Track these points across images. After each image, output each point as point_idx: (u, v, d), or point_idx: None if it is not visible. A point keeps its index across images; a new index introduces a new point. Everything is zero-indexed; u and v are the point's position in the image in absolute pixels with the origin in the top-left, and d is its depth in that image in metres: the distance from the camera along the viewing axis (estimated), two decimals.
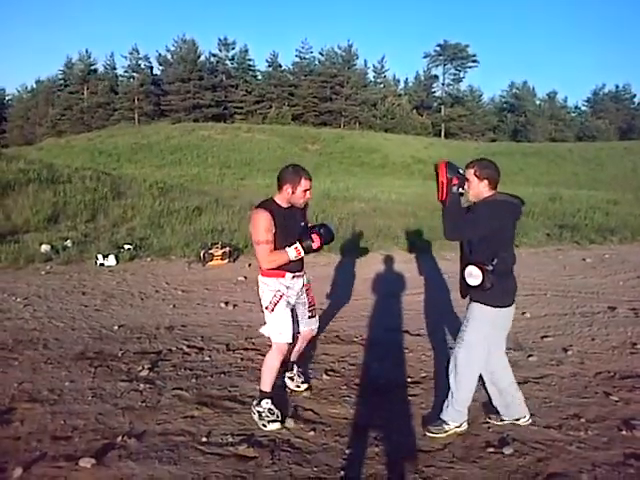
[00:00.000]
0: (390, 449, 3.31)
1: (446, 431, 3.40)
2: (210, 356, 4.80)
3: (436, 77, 75.94)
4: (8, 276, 7.63)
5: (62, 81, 74.11)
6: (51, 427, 3.45)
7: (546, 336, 5.48)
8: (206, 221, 11.32)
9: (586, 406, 3.90)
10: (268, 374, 3.60)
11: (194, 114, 64.34)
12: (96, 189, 13.05)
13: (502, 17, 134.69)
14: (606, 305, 6.70)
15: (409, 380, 4.38)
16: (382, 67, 76.86)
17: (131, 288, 7.15)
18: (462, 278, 3.28)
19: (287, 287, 3.61)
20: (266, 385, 3.59)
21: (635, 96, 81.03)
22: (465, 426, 3.46)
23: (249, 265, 8.67)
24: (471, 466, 3.11)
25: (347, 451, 3.26)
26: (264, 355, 4.75)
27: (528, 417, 3.53)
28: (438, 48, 72.57)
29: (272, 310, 3.56)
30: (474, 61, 72.67)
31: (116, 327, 5.55)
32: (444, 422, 3.42)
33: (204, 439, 3.34)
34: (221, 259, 8.71)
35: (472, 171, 3.27)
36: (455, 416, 3.41)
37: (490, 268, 3.11)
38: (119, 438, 3.32)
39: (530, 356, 4.88)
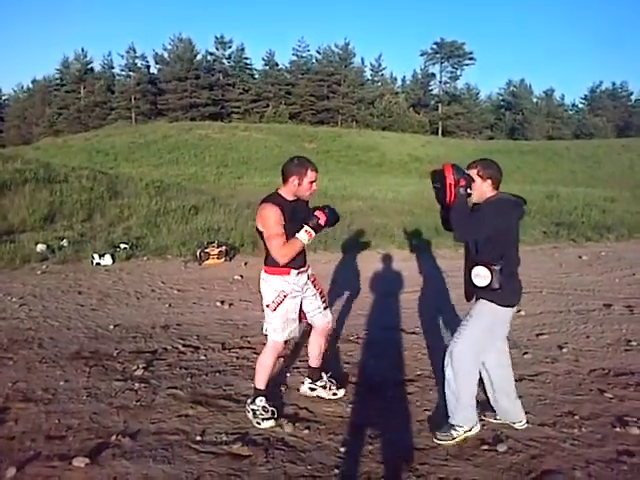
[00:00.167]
0: (384, 447, 3.31)
1: (454, 437, 3.29)
2: (205, 355, 4.80)
3: (433, 75, 76.08)
4: (4, 276, 7.62)
5: (59, 80, 73.96)
6: (45, 426, 3.44)
7: (541, 334, 5.49)
8: (203, 220, 11.31)
9: (580, 403, 3.91)
10: (262, 372, 3.58)
11: (191, 113, 64.34)
12: (93, 188, 13.05)
13: (499, 15, 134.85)
14: (602, 302, 6.71)
15: (404, 378, 4.38)
16: (379, 65, 76.98)
17: (127, 287, 7.15)
18: (468, 280, 3.24)
19: (292, 284, 3.52)
20: (260, 383, 3.58)
21: (632, 93, 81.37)
22: (477, 428, 3.35)
23: (245, 264, 8.67)
24: (465, 464, 3.11)
25: (341, 449, 3.26)
26: (259, 354, 4.80)
27: (524, 422, 3.50)
28: (435, 46, 72.66)
29: (274, 309, 3.51)
30: (471, 59, 72.81)
31: (112, 326, 5.54)
32: (452, 427, 3.31)
33: (198, 438, 3.34)
34: (217, 258, 8.70)
35: (475, 171, 3.24)
36: (463, 419, 3.30)
37: (498, 268, 3.08)
38: (113, 437, 3.31)
39: (525, 354, 4.89)
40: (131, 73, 70.38)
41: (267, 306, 3.54)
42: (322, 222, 3.39)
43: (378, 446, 3.32)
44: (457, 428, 3.29)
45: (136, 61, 70.84)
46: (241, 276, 7.84)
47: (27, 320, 5.72)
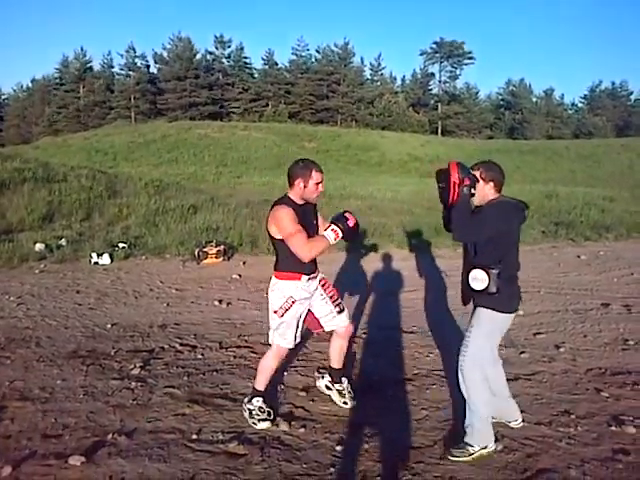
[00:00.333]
0: (380, 446, 3.31)
1: (470, 454, 3.14)
2: (203, 354, 4.80)
3: (432, 75, 76.01)
4: (2, 275, 7.63)
5: (58, 80, 73.91)
6: (42, 425, 3.45)
7: (538, 333, 5.49)
8: (201, 219, 11.31)
9: (577, 402, 3.91)
10: (263, 374, 3.55)
11: (190, 112, 64.31)
12: (92, 188, 13.06)
13: (498, 14, 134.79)
14: (599, 302, 6.72)
15: (402, 377, 4.38)
16: (379, 65, 76.90)
17: (125, 287, 7.15)
18: (465, 284, 3.19)
19: (302, 289, 3.47)
20: (260, 384, 3.56)
21: (632, 93, 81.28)
22: (492, 447, 3.18)
23: (243, 263, 8.68)
24: (460, 462, 3.12)
25: (337, 448, 3.26)
26: (257, 353, 4.82)
27: (520, 420, 3.49)
28: (434, 45, 72.57)
29: (282, 315, 3.45)
30: (470, 58, 72.72)
31: (109, 325, 5.54)
32: (468, 444, 3.18)
33: (194, 437, 3.34)
34: (215, 257, 8.71)
35: (477, 173, 3.19)
36: (479, 438, 3.17)
37: (496, 271, 3.01)
38: (109, 436, 3.32)
39: (522, 353, 4.89)
40: (130, 72, 70.33)
41: (274, 312, 3.49)
42: (351, 224, 3.31)
43: (374, 445, 3.32)
44: (473, 445, 3.17)
45: (136, 60, 70.88)
46: (239, 275, 7.84)
47: (25, 319, 5.72)
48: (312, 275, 3.53)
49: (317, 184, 3.40)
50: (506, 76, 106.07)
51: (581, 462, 3.11)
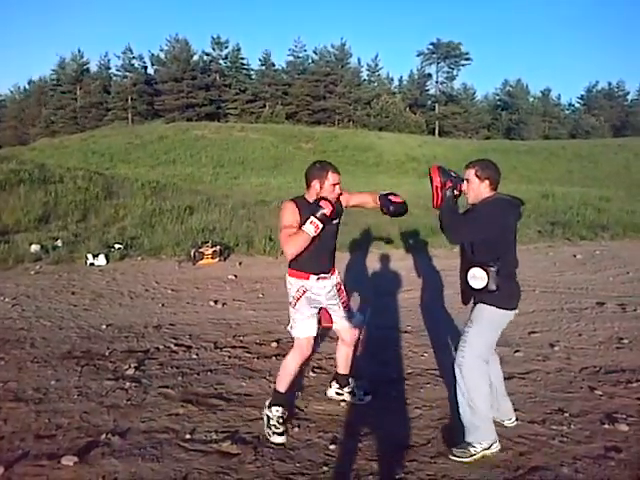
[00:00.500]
0: (374, 444, 3.32)
1: (472, 454, 3.11)
2: (197, 354, 4.80)
3: (429, 75, 75.92)
4: None
5: (55, 81, 73.76)
6: (35, 426, 3.45)
7: (533, 332, 5.50)
8: (197, 220, 11.30)
9: (570, 401, 3.93)
10: (285, 374, 3.48)
11: (187, 113, 64.22)
12: (88, 189, 13.04)
13: (496, 15, 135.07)
14: (594, 301, 6.73)
15: (395, 376, 4.39)
16: (376, 65, 76.86)
17: (120, 287, 7.14)
18: (464, 283, 3.17)
19: (311, 287, 3.47)
20: (282, 385, 3.47)
21: (629, 93, 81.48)
22: (496, 447, 3.15)
23: (240, 264, 8.67)
24: (453, 461, 3.12)
25: (331, 447, 3.27)
26: (251, 353, 4.84)
27: (513, 419, 3.51)
28: (431, 46, 72.55)
29: (294, 305, 3.47)
30: (467, 59, 72.65)
31: (104, 326, 5.54)
32: (469, 444, 3.14)
33: (188, 436, 3.34)
34: (211, 258, 8.70)
35: (473, 171, 3.17)
36: (480, 436, 3.13)
37: (494, 269, 3.00)
38: (103, 436, 3.32)
39: (517, 352, 4.90)
40: (127, 74, 70.18)
41: (289, 303, 3.51)
42: (328, 213, 3.22)
43: (367, 443, 3.33)
44: (475, 445, 3.13)
45: (133, 62, 70.67)
46: (235, 276, 7.84)
47: (20, 320, 5.71)
48: (322, 275, 3.50)
49: (333, 185, 3.39)
50: (503, 77, 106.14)
51: (573, 460, 3.12)
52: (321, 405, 3.82)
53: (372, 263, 8.66)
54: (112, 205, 12.20)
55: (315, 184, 3.38)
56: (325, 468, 3.05)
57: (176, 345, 5.01)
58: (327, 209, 3.22)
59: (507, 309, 3.14)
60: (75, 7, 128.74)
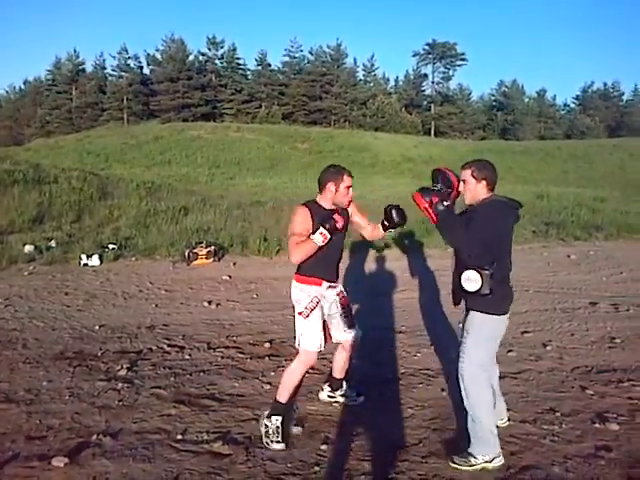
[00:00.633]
0: (366, 445, 3.32)
1: (472, 464, 3.04)
2: (190, 355, 4.80)
3: (425, 76, 76.08)
4: None
5: (50, 81, 73.57)
6: (26, 427, 3.43)
7: (526, 332, 5.52)
8: (192, 220, 11.30)
9: (562, 400, 3.94)
10: (289, 385, 3.41)
11: (183, 114, 64.08)
12: (82, 189, 13.03)
13: (491, 16, 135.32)
14: (588, 301, 6.76)
15: (388, 376, 4.40)
16: (372, 66, 76.96)
17: (114, 288, 7.13)
18: (457, 284, 3.11)
19: (323, 296, 3.47)
20: (283, 396, 3.39)
21: (624, 94, 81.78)
22: (499, 461, 3.06)
23: (234, 264, 8.67)
24: (445, 461, 3.13)
25: (322, 447, 3.27)
26: (244, 353, 4.84)
27: (505, 420, 3.51)
28: (427, 47, 72.70)
29: (307, 316, 3.38)
30: (463, 59, 72.86)
31: (97, 327, 5.53)
32: (471, 455, 3.07)
33: (179, 437, 3.34)
34: (206, 258, 8.69)
35: (469, 172, 3.14)
36: (482, 448, 3.06)
37: (489, 272, 2.95)
38: (94, 437, 3.31)
39: (509, 351, 4.91)
40: (123, 74, 70.05)
41: (299, 314, 3.42)
42: (340, 226, 3.26)
43: (359, 443, 3.33)
44: (477, 456, 3.06)
45: (128, 62, 70.57)
46: (229, 276, 7.84)
47: (12, 321, 5.70)
48: (332, 284, 3.52)
49: (348, 187, 3.43)
50: (498, 77, 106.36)
51: (564, 459, 3.13)
52: (313, 405, 3.82)
53: (368, 263, 8.67)
54: (106, 206, 12.19)
55: (330, 186, 3.40)
56: (317, 468, 3.05)
57: (169, 346, 5.01)
58: (339, 222, 3.26)
59: (498, 314, 3.09)
60: (71, 7, 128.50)
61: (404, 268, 8.40)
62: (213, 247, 8.95)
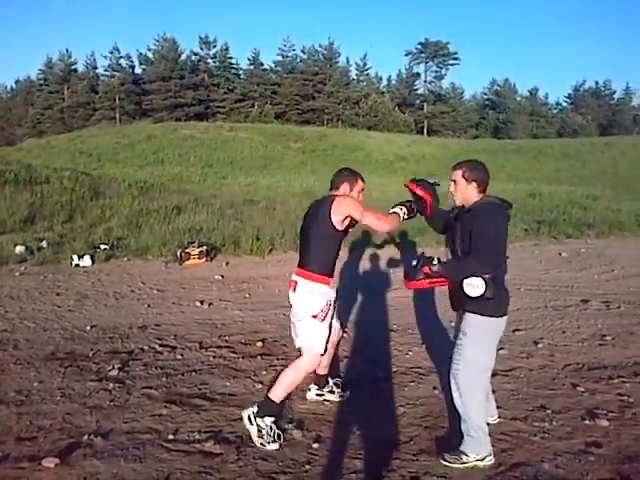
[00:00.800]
0: (357, 443, 3.33)
1: (463, 462, 3.03)
2: (182, 354, 4.79)
3: (418, 75, 76.26)
4: None
5: (42, 81, 73.19)
6: (16, 428, 3.41)
7: (517, 329, 5.54)
8: (185, 220, 11.28)
9: (553, 397, 3.96)
10: (287, 387, 3.34)
11: (176, 113, 63.87)
12: (74, 189, 12.98)
13: (484, 15, 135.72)
14: (579, 298, 6.80)
15: (380, 375, 4.41)
16: (364, 65, 76.95)
17: (106, 288, 7.10)
18: (457, 287, 3.04)
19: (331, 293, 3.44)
20: (279, 396, 3.30)
21: (615, 92, 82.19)
22: (489, 460, 3.05)
23: (226, 264, 8.66)
24: (436, 459, 3.13)
25: (314, 445, 3.27)
26: (237, 353, 4.84)
27: (496, 417, 3.52)
28: (419, 46, 72.87)
29: (323, 319, 3.32)
30: (455, 58, 73.11)
31: (89, 327, 5.50)
32: (463, 453, 3.06)
33: (171, 437, 3.33)
34: (198, 258, 8.68)
35: (460, 173, 3.11)
36: (474, 446, 3.05)
37: (490, 277, 2.90)
38: (85, 437, 3.29)
39: (501, 349, 4.87)
40: (115, 73, 69.73)
41: (314, 317, 3.31)
42: (417, 207, 3.44)
43: (351, 442, 3.33)
44: (469, 454, 3.05)
45: (120, 61, 70.24)
46: (222, 276, 7.83)
47: (3, 322, 5.66)
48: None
49: (360, 191, 3.51)
50: (491, 76, 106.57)
51: (554, 455, 3.15)
52: (304, 404, 3.82)
53: (363, 262, 8.68)
54: (98, 205, 12.14)
55: (345, 187, 3.46)
56: (308, 467, 3.05)
57: (161, 346, 4.99)
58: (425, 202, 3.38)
59: (496, 316, 3.04)
60: (62, 7, 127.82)
61: (398, 267, 8.40)
62: (205, 247, 8.94)
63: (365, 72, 77.63)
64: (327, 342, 3.40)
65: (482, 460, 3.05)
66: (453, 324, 3.32)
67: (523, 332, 5.48)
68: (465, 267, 2.99)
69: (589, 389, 4.09)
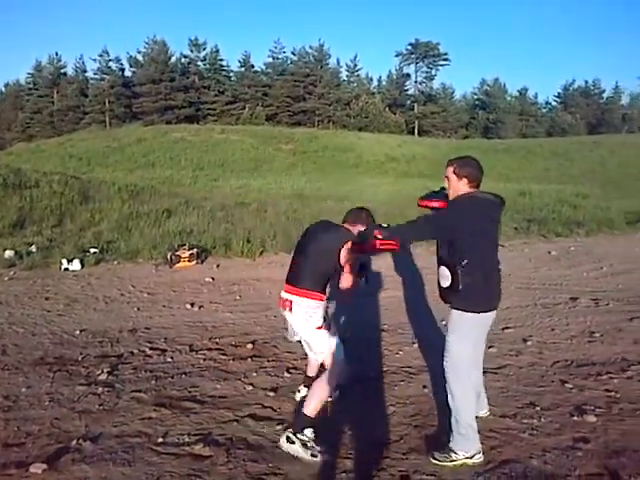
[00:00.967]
0: (347, 442, 3.33)
1: (453, 460, 3.04)
2: (172, 357, 4.77)
3: (408, 75, 76.53)
4: None
5: (31, 84, 72.79)
6: (3, 434, 3.39)
7: (507, 327, 5.57)
8: (175, 223, 11.23)
9: (542, 394, 3.98)
10: (320, 399, 3.25)
11: (166, 116, 63.65)
12: (63, 193, 12.86)
13: (474, 16, 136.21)
14: (568, 296, 6.84)
15: (371, 375, 4.42)
16: (355, 66, 77.15)
17: (95, 292, 7.07)
18: (438, 281, 3.15)
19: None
20: (313, 411, 3.20)
21: (604, 91, 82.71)
22: (479, 458, 3.06)
23: (217, 266, 8.64)
24: (425, 457, 3.15)
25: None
26: (227, 355, 4.83)
27: (486, 410, 3.54)
28: (410, 47, 73.07)
29: (323, 326, 3.42)
30: (445, 59, 73.34)
31: (78, 331, 5.47)
32: (452, 451, 3.07)
33: (160, 440, 3.32)
34: (188, 261, 8.65)
35: (451, 169, 3.14)
36: (463, 444, 3.06)
37: (461, 269, 2.94)
38: (74, 442, 3.28)
39: (490, 347, 4.91)
40: (105, 76, 69.40)
41: (319, 328, 3.38)
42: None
43: (341, 441, 3.34)
44: (458, 452, 3.06)
45: (110, 64, 69.94)
46: (212, 278, 7.81)
47: None
48: None
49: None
50: (481, 76, 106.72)
51: (543, 452, 3.17)
52: (294, 405, 3.82)
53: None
54: (88, 209, 12.06)
55: (360, 229, 3.62)
56: (298, 468, 3.05)
57: (151, 349, 4.98)
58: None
59: (478, 312, 3.04)
60: (51, 10, 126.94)
61: (389, 266, 8.42)
62: (196, 249, 8.91)
63: (356, 73, 77.84)
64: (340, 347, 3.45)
65: (471, 458, 3.06)
66: (445, 323, 3.33)
67: (512, 330, 5.50)
68: (405, 230, 3.27)
69: (577, 385, 4.12)
